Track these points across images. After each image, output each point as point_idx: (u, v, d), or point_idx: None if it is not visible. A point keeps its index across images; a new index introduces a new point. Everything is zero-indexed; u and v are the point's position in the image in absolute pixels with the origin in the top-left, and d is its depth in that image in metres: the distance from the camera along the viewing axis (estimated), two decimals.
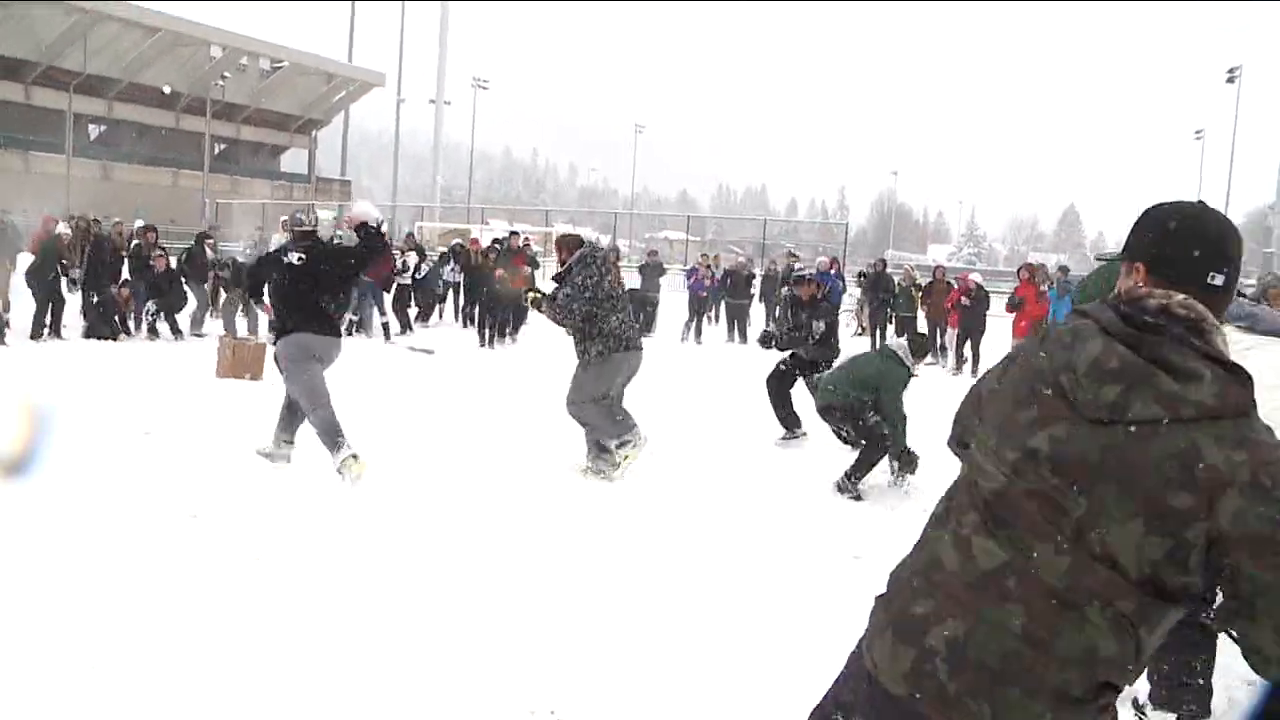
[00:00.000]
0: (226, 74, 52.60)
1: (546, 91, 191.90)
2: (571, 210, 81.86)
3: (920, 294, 17.70)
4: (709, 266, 20.61)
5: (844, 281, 20.79)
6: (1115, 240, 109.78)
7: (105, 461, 6.88)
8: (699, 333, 19.42)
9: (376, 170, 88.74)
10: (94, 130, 54.51)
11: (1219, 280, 1.71)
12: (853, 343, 14.43)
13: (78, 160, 48.81)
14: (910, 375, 7.40)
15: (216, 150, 56.51)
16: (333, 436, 6.64)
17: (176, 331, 14.75)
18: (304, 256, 6.83)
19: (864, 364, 7.59)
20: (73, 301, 14.48)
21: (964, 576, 1.71)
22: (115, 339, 13.99)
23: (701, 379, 13.32)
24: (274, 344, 6.94)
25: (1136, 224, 1.83)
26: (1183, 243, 1.73)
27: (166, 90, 50.74)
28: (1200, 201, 1.81)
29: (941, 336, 17.08)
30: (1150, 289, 1.72)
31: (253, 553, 5.41)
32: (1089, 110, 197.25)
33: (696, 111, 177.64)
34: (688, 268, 24.44)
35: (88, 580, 4.79)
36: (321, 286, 6.89)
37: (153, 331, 14.55)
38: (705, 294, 19.89)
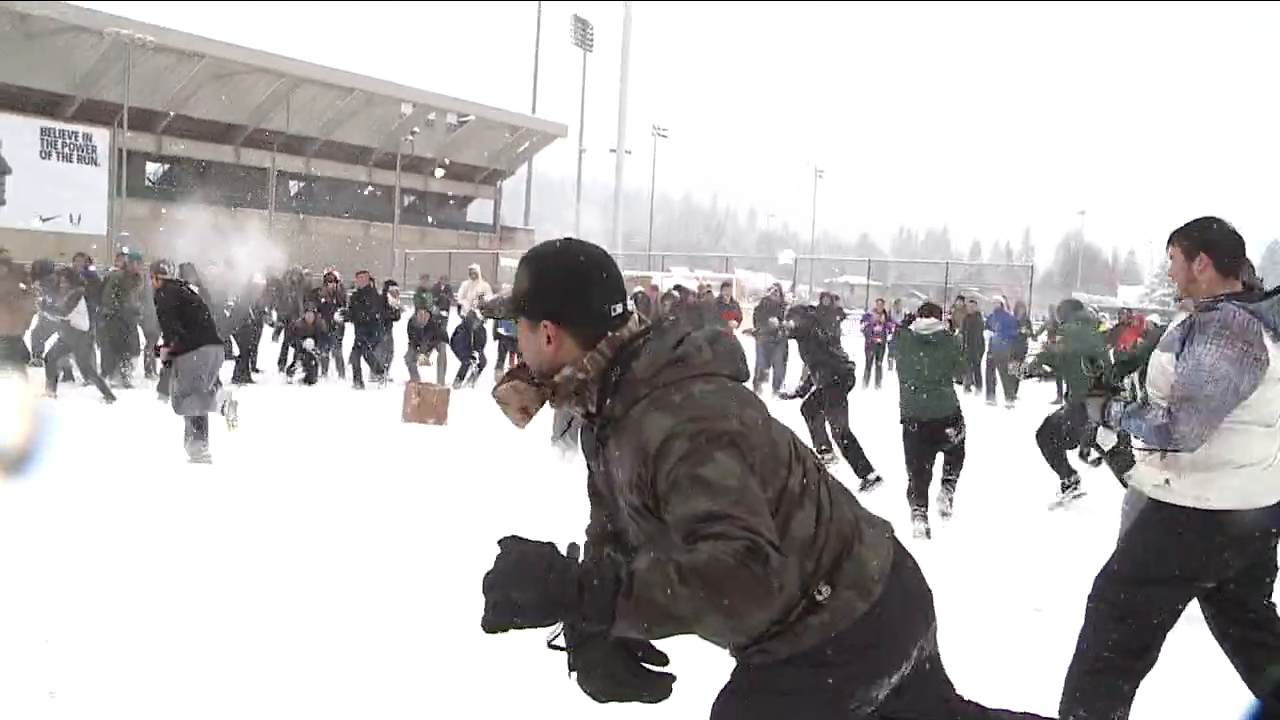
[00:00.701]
0: (416, 129, 54.82)
1: (726, 137, 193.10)
2: (751, 256, 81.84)
3: (1107, 336, 17.04)
4: (883, 311, 20.34)
5: (1030, 326, 19.98)
6: None
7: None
8: (878, 376, 19.07)
9: (560, 218, 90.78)
10: (294, 186, 57.56)
11: None
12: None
13: (279, 215, 51.76)
14: None
15: (406, 202, 58.84)
16: None
17: (378, 373, 15.46)
18: None
19: None
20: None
21: None
22: (313, 382, 14.94)
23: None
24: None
25: None
26: None
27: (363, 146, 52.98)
28: None
29: None
30: None
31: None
32: None
33: (876, 153, 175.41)
34: (865, 312, 24.10)
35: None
36: None
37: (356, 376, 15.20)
38: (878, 338, 19.46)
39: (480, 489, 7.98)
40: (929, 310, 7.57)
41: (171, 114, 47.40)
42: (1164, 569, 3.25)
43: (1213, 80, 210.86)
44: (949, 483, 7.58)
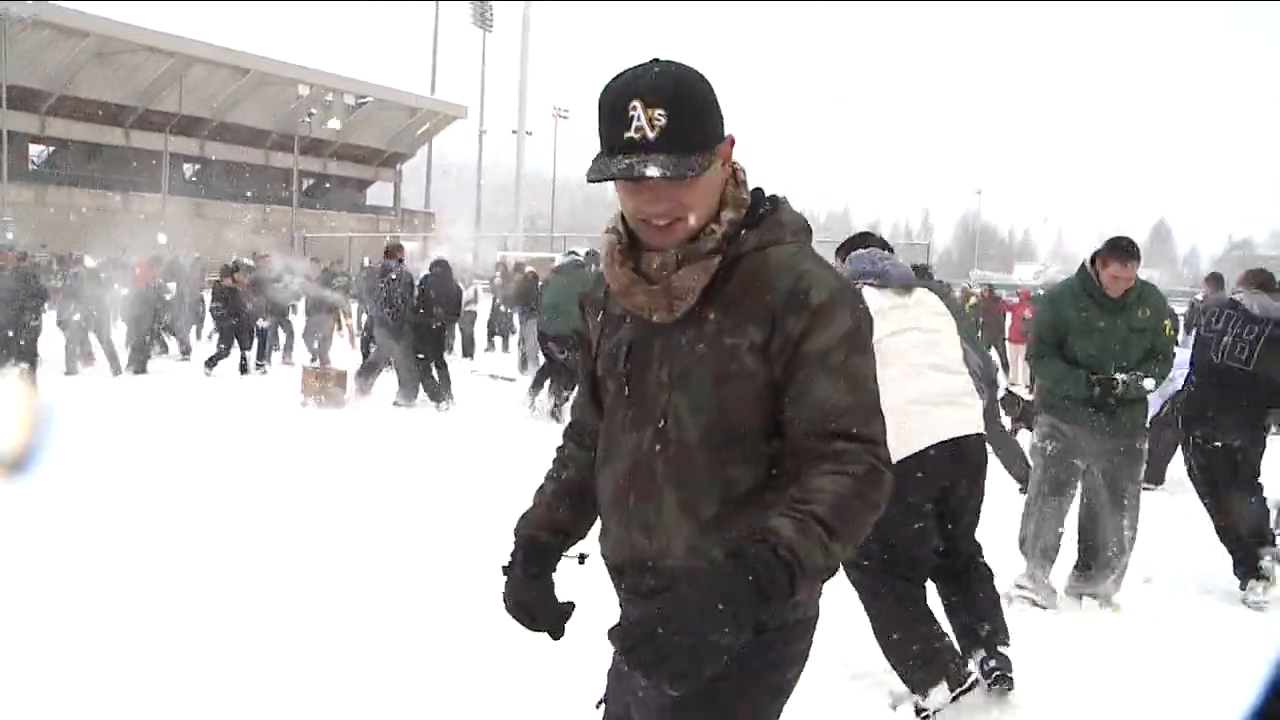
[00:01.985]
0: (313, 111, 53.80)
1: None
2: None
3: (976, 308, 18.09)
4: None
5: None
6: (1209, 255, 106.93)
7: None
8: None
9: (460, 201, 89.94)
10: (188, 170, 56.10)
11: None
12: None
13: (173, 199, 50.37)
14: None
15: (305, 185, 57.79)
16: None
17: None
18: None
19: None
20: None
21: None
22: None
23: None
24: None
25: None
26: None
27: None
28: None
29: (1001, 354, 17.10)
30: None
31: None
32: (1178, 121, 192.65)
33: (774, 134, 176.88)
34: None
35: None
36: None
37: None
38: None
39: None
40: None
41: (55, 94, 45.74)
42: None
43: (1106, 56, 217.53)
44: None
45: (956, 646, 3.85)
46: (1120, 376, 4.92)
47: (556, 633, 2.00)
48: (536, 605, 1.99)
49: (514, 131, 67.71)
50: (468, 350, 18.48)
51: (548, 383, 11.33)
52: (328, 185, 61.02)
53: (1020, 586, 5.16)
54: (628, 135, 1.68)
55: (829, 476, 1.61)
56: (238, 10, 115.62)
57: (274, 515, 6.74)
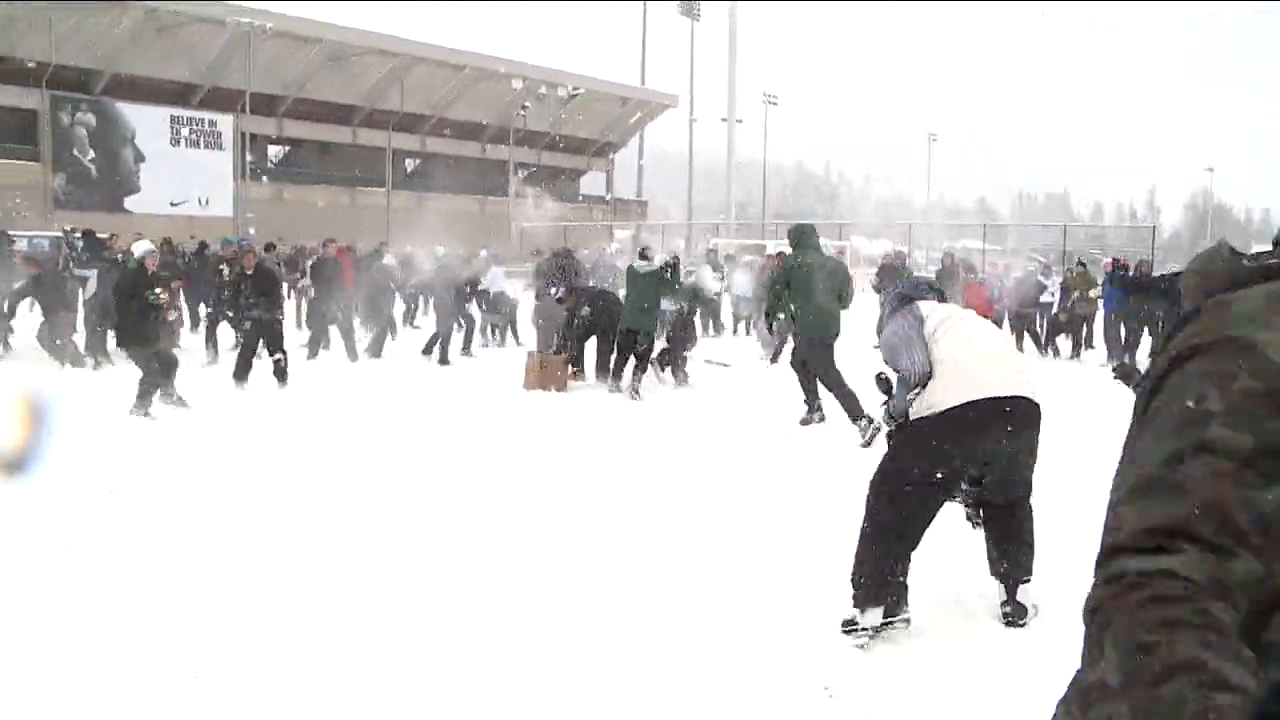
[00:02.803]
0: (527, 104, 55.23)
1: (838, 102, 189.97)
2: (866, 222, 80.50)
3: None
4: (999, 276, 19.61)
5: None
6: None
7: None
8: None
9: (671, 189, 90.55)
10: (410, 164, 58.58)
11: None
12: None
13: (396, 193, 52.88)
14: None
15: (521, 176, 59.42)
16: None
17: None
18: None
19: None
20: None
21: None
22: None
23: None
24: None
25: None
26: None
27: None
28: None
29: None
30: None
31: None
32: None
33: (993, 115, 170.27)
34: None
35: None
36: None
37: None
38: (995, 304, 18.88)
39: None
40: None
41: (291, 97, 48.64)
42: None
43: None
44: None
45: (907, 592, 4.48)
46: None
47: None
48: None
49: (724, 119, 67.64)
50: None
51: (630, 366, 11.97)
52: (542, 176, 62.50)
53: None
54: None
55: None
56: (456, 11, 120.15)
57: (500, 500, 6.88)
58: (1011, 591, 4.63)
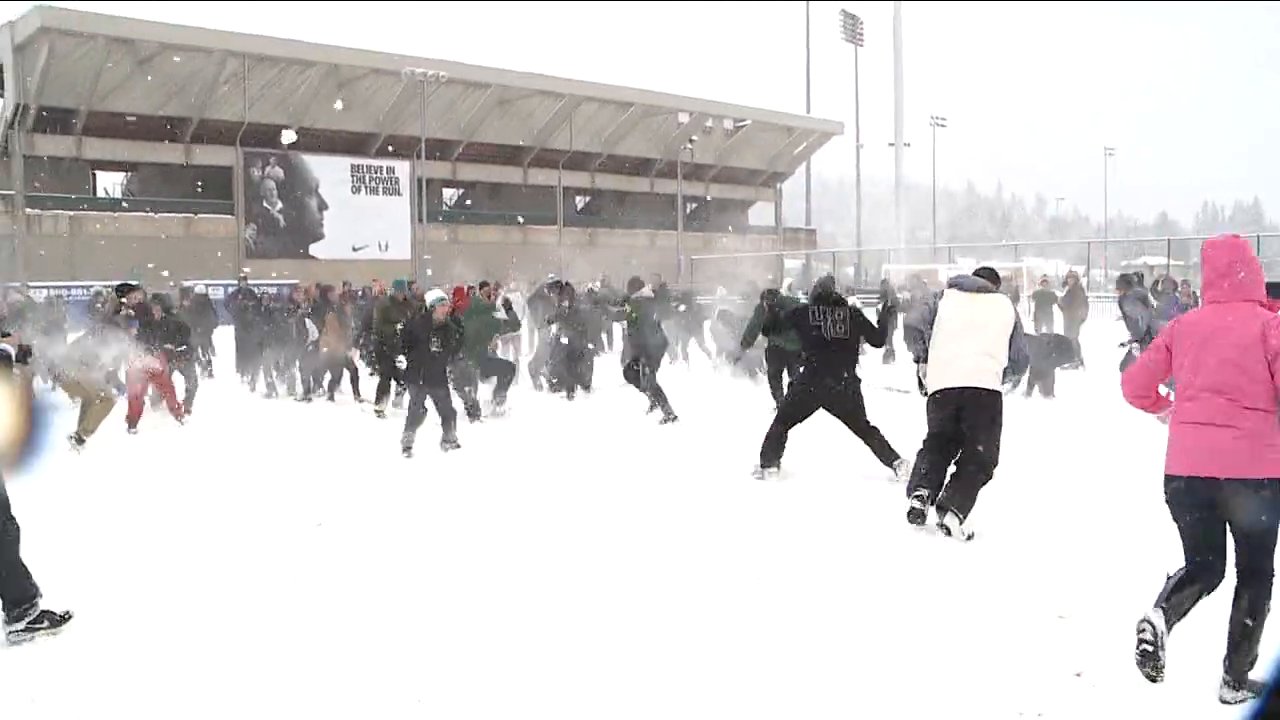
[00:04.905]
0: (694, 137, 55.40)
1: (1007, 122, 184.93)
2: (1041, 243, 77.80)
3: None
4: (1191, 293, 18.40)
5: None
6: None
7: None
8: None
9: (840, 216, 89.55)
10: (580, 201, 59.47)
11: None
12: None
13: (568, 230, 53.78)
14: None
15: (689, 209, 59.57)
16: None
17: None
18: None
19: None
20: None
21: None
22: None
23: None
24: None
25: None
26: None
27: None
28: None
29: None
30: None
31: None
32: None
33: (1172, 126, 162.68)
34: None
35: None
36: None
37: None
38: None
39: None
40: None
41: (464, 142, 50.03)
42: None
43: None
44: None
45: (927, 493, 6.65)
46: None
47: None
48: None
49: (891, 144, 66.66)
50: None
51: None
52: (711, 208, 62.60)
53: None
54: None
55: None
56: (621, 47, 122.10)
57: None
58: (941, 514, 6.46)
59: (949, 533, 6.35)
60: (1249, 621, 3.88)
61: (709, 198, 61.97)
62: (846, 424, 8.41)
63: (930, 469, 6.70)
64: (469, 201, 55.96)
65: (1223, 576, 3.92)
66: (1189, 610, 3.94)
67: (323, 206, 46.51)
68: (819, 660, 4.34)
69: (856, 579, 5.51)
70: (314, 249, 45.68)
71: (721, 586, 5.36)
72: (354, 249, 45.99)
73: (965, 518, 6.35)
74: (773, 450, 8.32)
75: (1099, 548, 6.08)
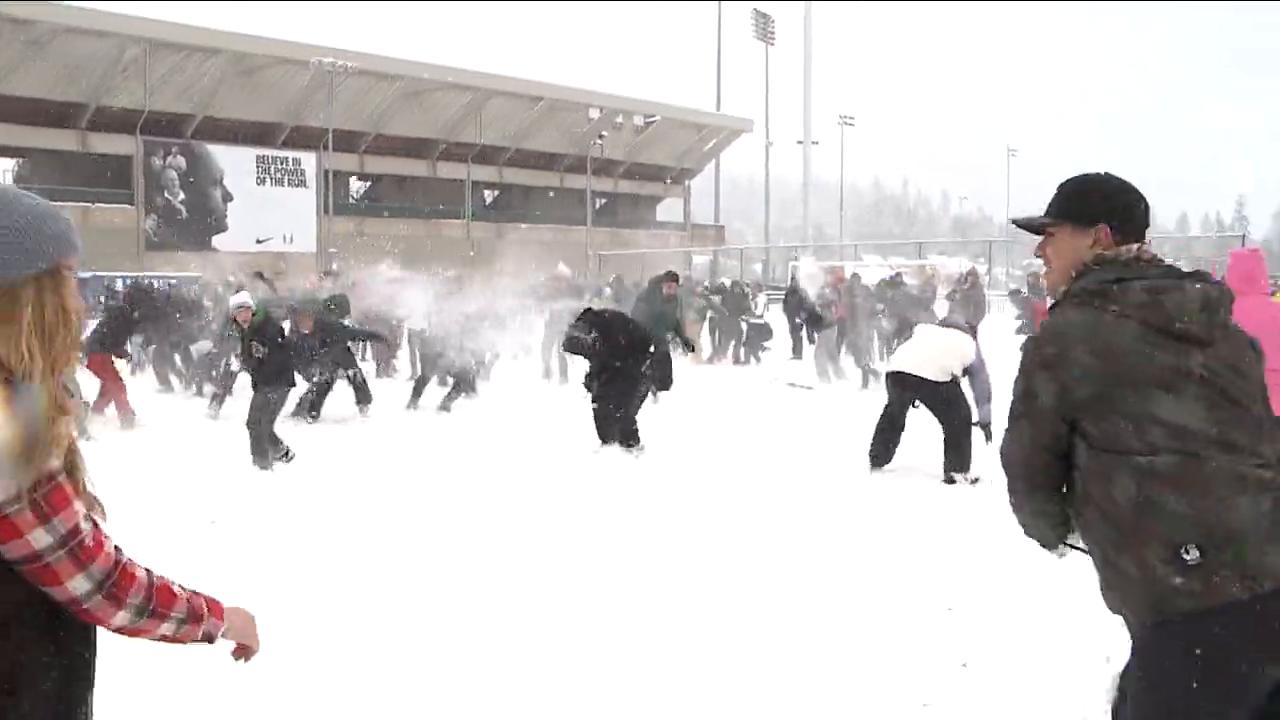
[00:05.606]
0: (604, 133, 55.62)
1: (914, 121, 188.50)
2: (945, 241, 79.62)
3: None
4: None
5: None
6: None
7: None
8: None
9: (749, 213, 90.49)
10: (488, 195, 59.29)
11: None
12: None
13: (475, 224, 53.64)
14: None
15: (597, 205, 59.76)
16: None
17: None
18: None
19: None
20: None
21: None
22: None
23: None
24: None
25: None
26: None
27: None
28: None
29: None
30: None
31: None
32: None
33: (1072, 129, 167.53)
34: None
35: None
36: None
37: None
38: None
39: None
40: None
41: (372, 134, 49.57)
42: None
43: None
44: None
45: (882, 457, 8.52)
46: None
47: None
48: None
49: (799, 142, 67.53)
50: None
51: None
52: (620, 204, 62.86)
53: None
54: None
55: None
56: (531, 41, 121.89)
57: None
58: (947, 475, 8.15)
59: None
60: None
61: (618, 193, 62.24)
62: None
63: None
64: (376, 195, 55.44)
65: None
66: None
67: (227, 198, 45.70)
68: (708, 652, 4.43)
69: (749, 570, 5.65)
70: (217, 241, 44.71)
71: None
72: (258, 241, 45.26)
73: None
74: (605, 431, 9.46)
75: (985, 541, 6.25)
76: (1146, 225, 2.40)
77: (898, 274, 20.77)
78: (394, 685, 4.15)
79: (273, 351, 9.28)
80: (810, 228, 66.06)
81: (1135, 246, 2.32)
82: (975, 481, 7.90)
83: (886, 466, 8.46)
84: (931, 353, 8.25)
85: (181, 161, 44.51)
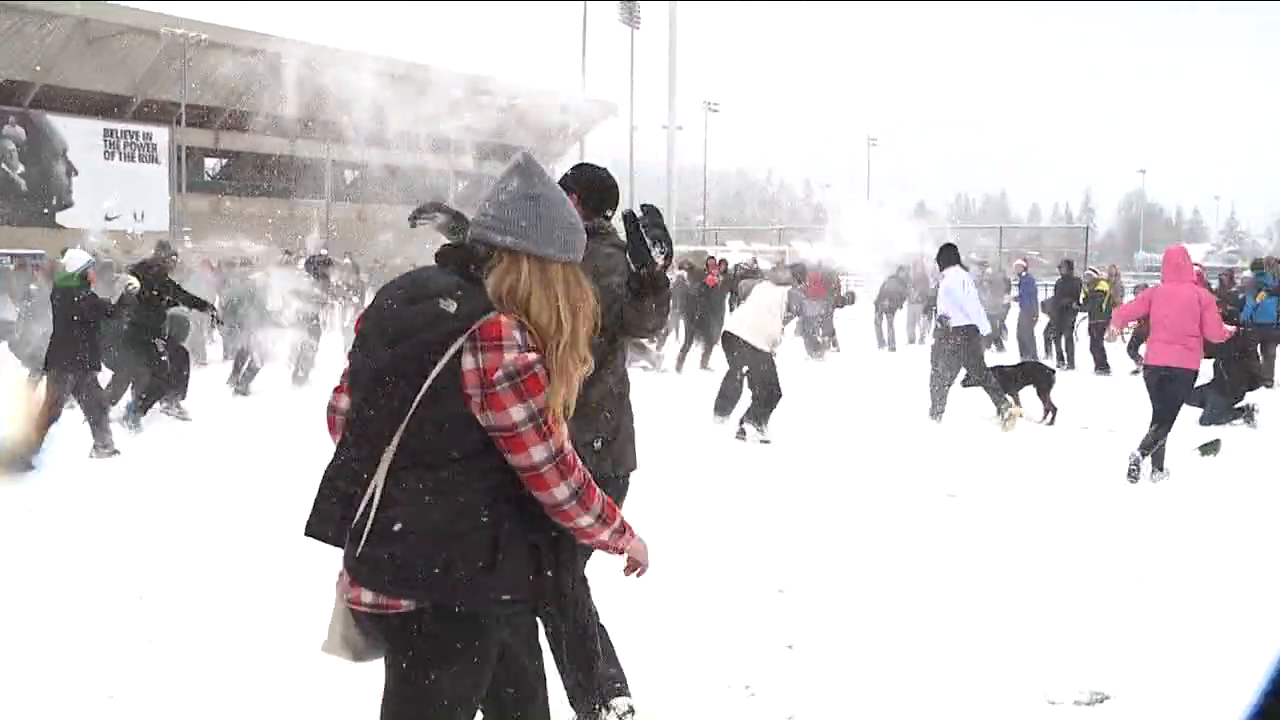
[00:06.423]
0: (466, 114, 55.10)
1: (779, 108, 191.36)
2: (807, 228, 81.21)
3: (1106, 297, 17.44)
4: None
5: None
6: None
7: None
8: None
9: None
10: (349, 175, 58.21)
11: None
12: None
13: (336, 204, 52.71)
14: None
15: (460, 186, 59.22)
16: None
17: None
18: None
19: None
20: None
21: None
22: None
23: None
24: None
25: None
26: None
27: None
28: None
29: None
30: None
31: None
32: None
33: (930, 121, 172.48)
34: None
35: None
36: None
37: None
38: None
39: None
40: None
41: (229, 110, 48.15)
42: None
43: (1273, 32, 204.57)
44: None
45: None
46: None
47: None
48: None
49: (664, 126, 67.97)
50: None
51: None
52: (482, 185, 62.33)
53: None
54: None
55: None
56: (394, 21, 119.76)
57: None
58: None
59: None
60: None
61: (481, 174, 61.76)
62: None
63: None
64: (233, 172, 53.87)
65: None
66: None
67: (71, 172, 43.78)
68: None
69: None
70: (61, 218, 42.72)
71: None
72: (107, 218, 43.49)
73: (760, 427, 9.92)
74: None
75: (817, 522, 6.49)
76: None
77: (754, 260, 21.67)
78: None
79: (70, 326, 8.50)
80: (674, 212, 66.63)
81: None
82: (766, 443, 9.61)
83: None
84: (755, 318, 10.19)
85: (20, 132, 42.46)
